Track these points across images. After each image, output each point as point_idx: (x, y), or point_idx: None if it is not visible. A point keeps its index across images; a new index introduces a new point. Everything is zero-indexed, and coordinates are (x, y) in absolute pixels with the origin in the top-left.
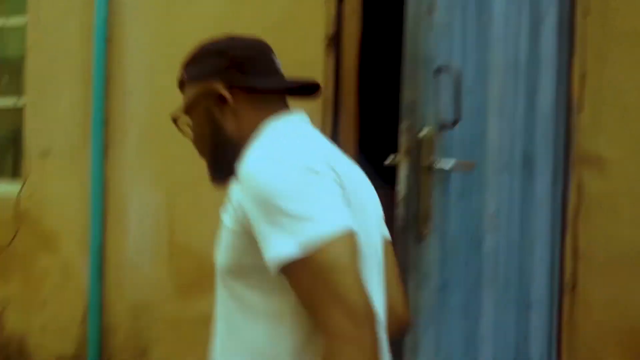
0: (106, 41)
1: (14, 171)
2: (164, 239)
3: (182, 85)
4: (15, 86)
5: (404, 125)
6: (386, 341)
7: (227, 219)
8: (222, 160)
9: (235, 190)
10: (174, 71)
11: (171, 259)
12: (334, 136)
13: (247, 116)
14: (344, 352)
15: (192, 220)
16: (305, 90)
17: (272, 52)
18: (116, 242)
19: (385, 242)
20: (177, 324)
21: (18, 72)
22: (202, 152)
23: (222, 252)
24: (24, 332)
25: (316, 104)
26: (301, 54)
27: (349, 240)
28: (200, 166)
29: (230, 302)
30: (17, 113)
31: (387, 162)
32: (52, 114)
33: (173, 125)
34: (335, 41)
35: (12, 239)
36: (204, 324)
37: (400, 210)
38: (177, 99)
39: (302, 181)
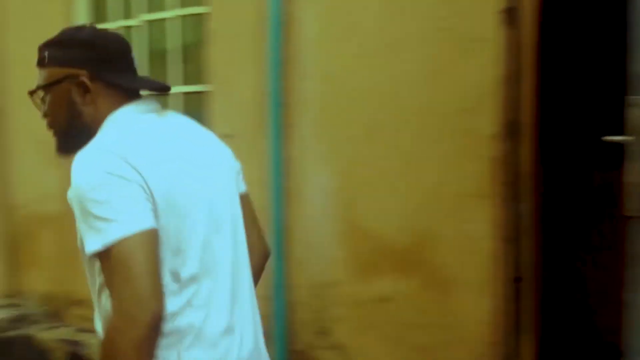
0: (281, 26)
1: None
2: (342, 220)
3: (42, 63)
4: (196, 73)
5: (634, 100)
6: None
7: None
8: (72, 139)
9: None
10: (348, 54)
11: (349, 239)
12: (514, 115)
13: (103, 105)
14: (118, 326)
15: (369, 201)
16: (159, 89)
17: (131, 50)
18: (297, 222)
19: (242, 195)
20: (356, 305)
21: (195, 59)
22: (52, 125)
23: (79, 237)
24: None
25: (490, 82)
26: (472, 28)
27: (143, 238)
28: (374, 147)
29: (92, 277)
30: (201, 98)
31: (611, 139)
32: (233, 98)
33: (348, 107)
34: (510, 14)
35: None
36: (381, 305)
37: (630, 195)
38: (350, 80)
39: (108, 188)
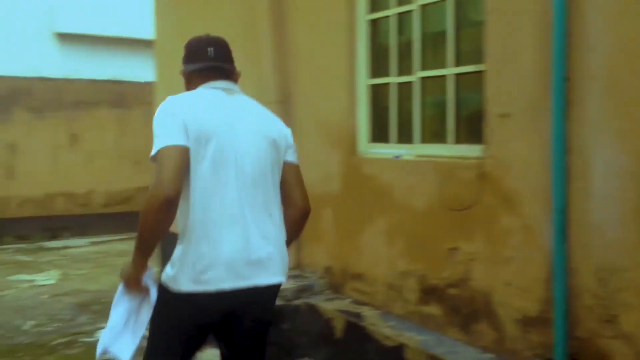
0: None
1: (475, 133)
2: (632, 201)
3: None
4: (470, 53)
5: None
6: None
7: None
8: None
9: None
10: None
11: None
12: None
13: (192, 84)
14: (148, 196)
15: None
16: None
17: (210, 44)
18: (580, 202)
19: (288, 163)
20: None
21: (470, 40)
22: None
23: None
24: (489, 288)
25: None
26: None
27: (173, 149)
28: None
29: None
30: (475, 79)
31: None
32: (511, 75)
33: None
34: None
35: (476, 200)
36: None
37: None
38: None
39: (164, 118)
